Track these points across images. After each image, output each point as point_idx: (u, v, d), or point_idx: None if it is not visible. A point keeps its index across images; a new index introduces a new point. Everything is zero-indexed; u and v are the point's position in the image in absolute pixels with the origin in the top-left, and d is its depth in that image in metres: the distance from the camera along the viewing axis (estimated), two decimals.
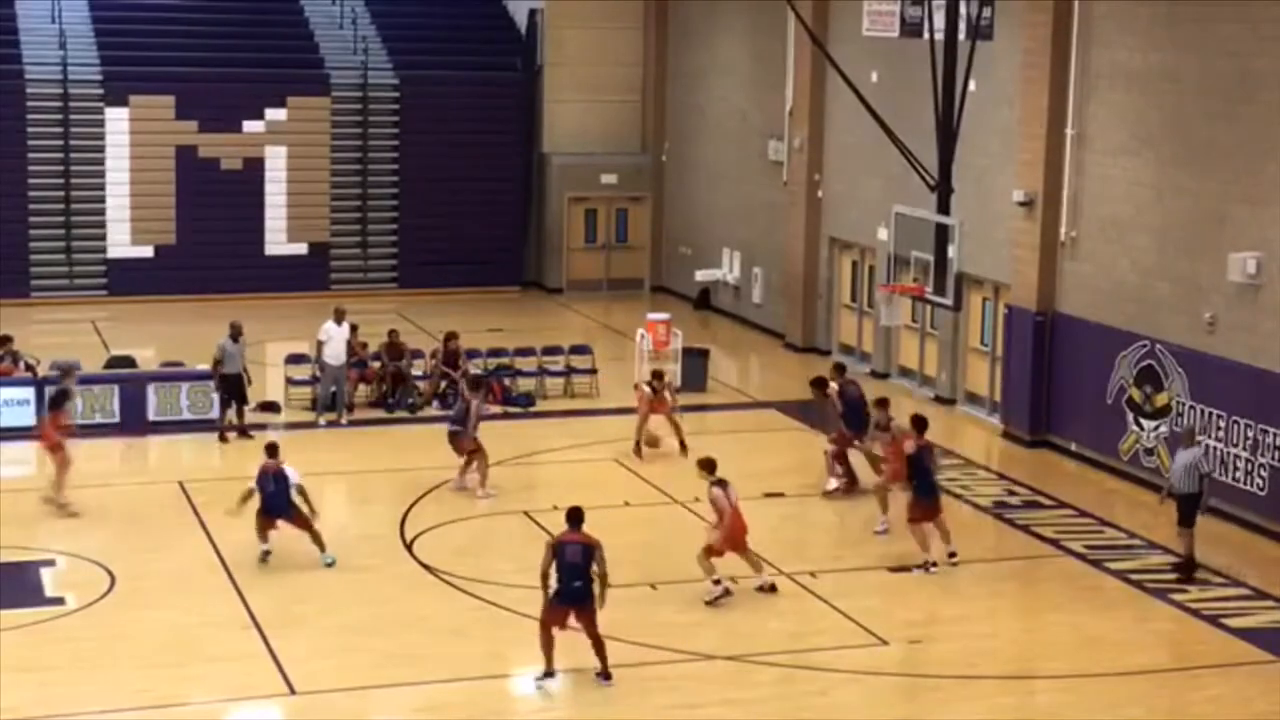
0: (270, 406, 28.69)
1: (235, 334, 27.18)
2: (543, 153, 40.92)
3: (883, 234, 29.33)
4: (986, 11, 27.30)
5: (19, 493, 23.63)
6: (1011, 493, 24.87)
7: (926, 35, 25.38)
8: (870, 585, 20.61)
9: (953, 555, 21.27)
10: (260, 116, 38.63)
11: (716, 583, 19.76)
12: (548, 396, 29.94)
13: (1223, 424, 23.32)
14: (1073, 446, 26.45)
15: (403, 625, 19.02)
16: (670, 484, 24.31)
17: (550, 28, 40.66)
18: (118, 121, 37.86)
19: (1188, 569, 20.92)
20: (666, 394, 26.39)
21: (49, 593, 20.01)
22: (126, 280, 37.93)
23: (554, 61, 40.67)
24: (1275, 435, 22.40)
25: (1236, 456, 23.07)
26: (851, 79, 26.63)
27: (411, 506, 23.35)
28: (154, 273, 38.06)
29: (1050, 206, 26.76)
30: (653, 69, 40.91)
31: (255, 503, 20.86)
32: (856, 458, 24.40)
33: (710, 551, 19.85)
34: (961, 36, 25.04)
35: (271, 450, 21.25)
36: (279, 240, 39.11)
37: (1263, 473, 22.67)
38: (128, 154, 37.99)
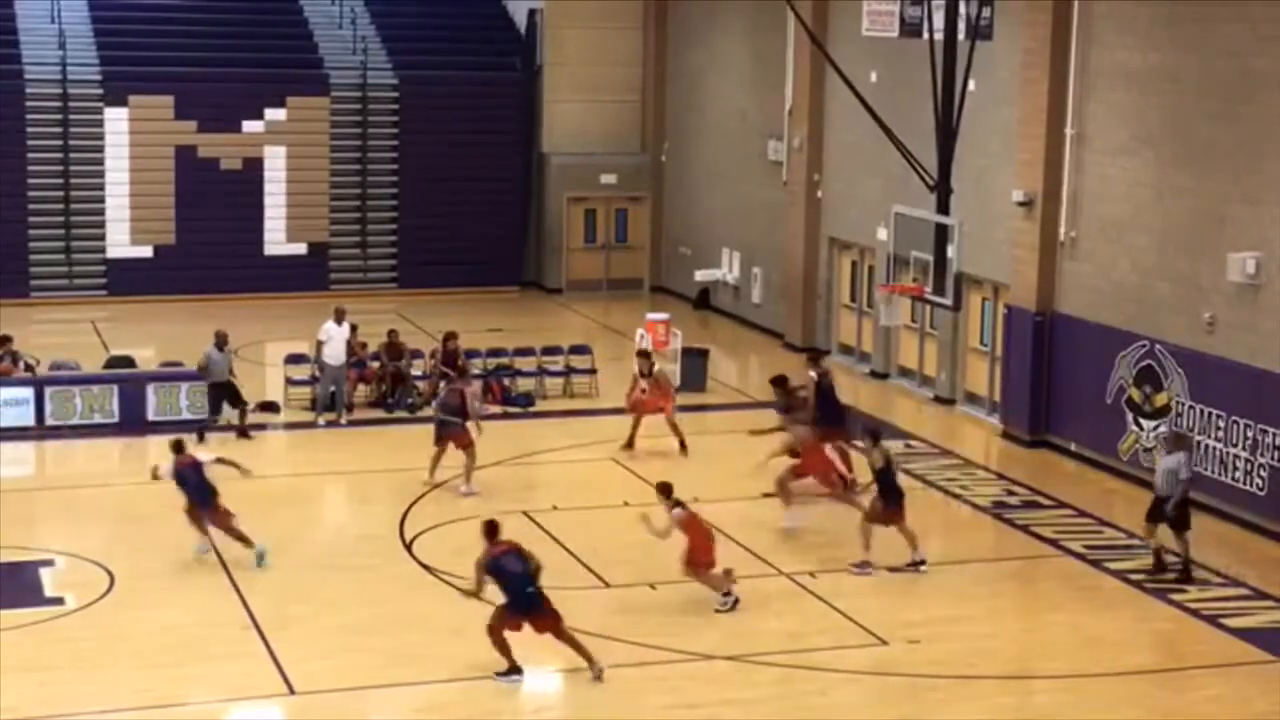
0: (270, 406, 28.71)
1: (220, 343, 27.17)
2: (542, 153, 40.93)
3: (882, 234, 29.33)
4: (986, 11, 27.30)
5: (18, 493, 23.62)
6: (1011, 493, 24.88)
7: (926, 35, 25.39)
8: (869, 585, 20.61)
9: (920, 563, 21.04)
10: (260, 116, 38.64)
11: (727, 593, 19.65)
12: (547, 396, 29.96)
13: (1222, 424, 23.32)
14: (1072, 446, 26.45)
15: (402, 625, 19.02)
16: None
17: (550, 28, 40.66)
18: (117, 121, 37.87)
19: (1187, 573, 20.90)
20: (657, 379, 26.38)
21: (48, 593, 20.01)
22: (126, 280, 37.93)
23: (553, 61, 40.67)
24: (1274, 435, 22.40)
25: (1236, 456, 23.07)
26: (851, 79, 26.65)
27: (411, 506, 23.35)
28: (153, 273, 38.06)
29: (1050, 206, 26.76)
30: (652, 69, 40.91)
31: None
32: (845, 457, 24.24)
33: (693, 568, 19.58)
34: (961, 36, 25.06)
35: (178, 447, 21.30)
36: (278, 240, 39.11)
37: (1262, 473, 22.67)
38: (127, 154, 38.01)
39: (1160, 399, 24.51)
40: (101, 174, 37.97)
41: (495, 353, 30.76)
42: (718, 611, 19.43)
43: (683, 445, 26.01)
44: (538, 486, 24.91)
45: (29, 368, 28.22)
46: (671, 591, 20.02)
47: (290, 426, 28.15)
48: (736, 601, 19.56)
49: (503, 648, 17.45)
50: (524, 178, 40.85)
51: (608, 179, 40.88)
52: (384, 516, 22.98)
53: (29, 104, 37.34)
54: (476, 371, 29.58)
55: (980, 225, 27.64)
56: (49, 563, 20.90)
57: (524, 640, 17.56)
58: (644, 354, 27.38)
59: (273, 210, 38.99)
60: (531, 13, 40.94)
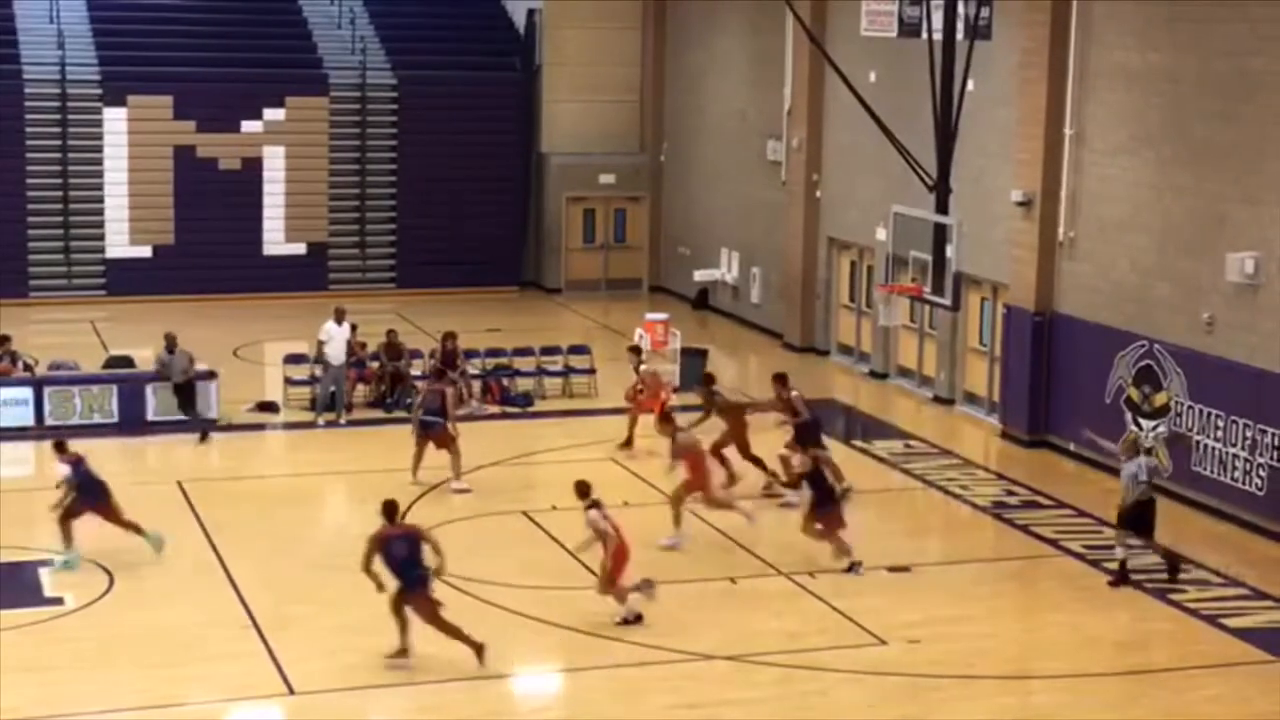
0: (269, 406, 28.71)
1: (170, 345, 27.29)
2: (541, 152, 40.92)
3: (881, 234, 29.34)
4: (985, 11, 27.30)
5: (18, 493, 23.62)
6: (1010, 493, 24.88)
7: (925, 35, 25.39)
8: (869, 585, 20.61)
9: (853, 567, 20.94)
10: (258, 116, 38.64)
11: (632, 609, 18.94)
12: (546, 396, 29.95)
13: (1221, 424, 23.33)
14: (1071, 446, 26.46)
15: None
16: (669, 483, 24.24)
17: (549, 28, 40.67)
18: (116, 121, 37.88)
19: (1173, 568, 20.84)
20: (644, 376, 26.33)
21: (48, 593, 20.01)
22: (125, 280, 37.93)
23: (552, 61, 40.68)
24: (1273, 435, 22.41)
25: (1235, 456, 23.08)
26: (850, 79, 26.66)
27: (410, 506, 23.32)
28: (152, 273, 38.06)
29: (1049, 206, 26.76)
30: (651, 69, 40.92)
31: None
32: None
33: (610, 583, 18.90)
34: (960, 36, 25.08)
35: (60, 446, 21.37)
36: (277, 240, 39.11)
37: (1261, 473, 22.68)
38: (126, 154, 38.02)
39: (1159, 399, 24.52)
40: (100, 174, 37.97)
41: (494, 353, 30.76)
42: (618, 625, 18.77)
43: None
44: (537, 486, 24.90)
45: (28, 368, 28.22)
46: (671, 591, 20.00)
47: (290, 426, 28.15)
48: (639, 618, 18.88)
49: (403, 629, 17.63)
50: (523, 178, 40.85)
51: (607, 179, 40.89)
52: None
53: (28, 104, 37.34)
54: (475, 371, 29.58)
55: (979, 225, 27.65)
56: (48, 563, 20.89)
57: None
58: (634, 349, 27.51)
59: (271, 210, 39.00)
60: (530, 13, 40.95)
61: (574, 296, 40.11)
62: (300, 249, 39.24)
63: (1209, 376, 23.63)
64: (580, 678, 17.65)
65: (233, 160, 38.55)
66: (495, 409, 28.93)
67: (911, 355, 31.40)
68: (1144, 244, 25.04)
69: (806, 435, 23.42)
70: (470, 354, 29.75)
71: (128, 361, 29.48)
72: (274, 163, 38.90)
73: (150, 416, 27.37)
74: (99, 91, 37.90)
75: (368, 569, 17.65)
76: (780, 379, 24.31)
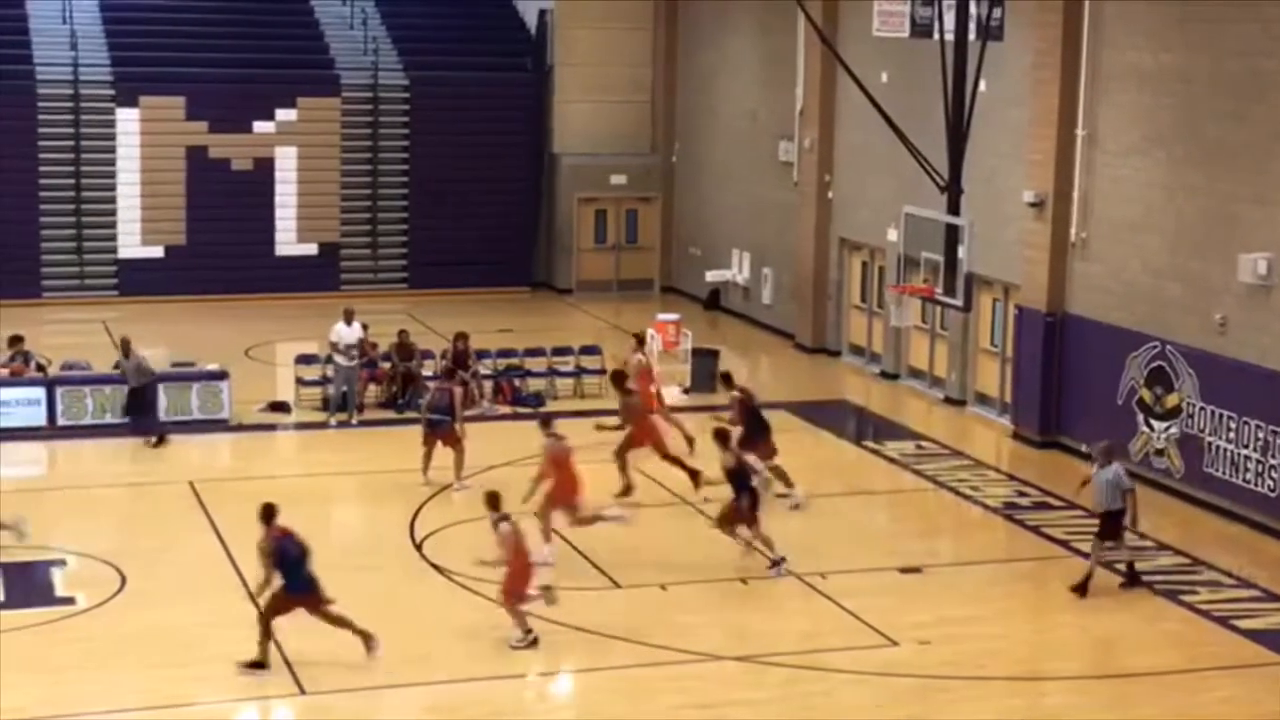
0: (281, 407, 28.75)
1: (125, 350, 27.34)
2: (553, 153, 40.93)
3: (893, 235, 29.31)
4: (997, 12, 27.30)
5: (31, 492, 23.65)
6: (1022, 494, 24.85)
7: (937, 36, 25.37)
8: (879, 586, 20.60)
9: (780, 561, 20.75)
10: (270, 117, 38.68)
11: (528, 631, 18.30)
12: (558, 397, 29.95)
13: (1234, 425, 23.29)
14: (1083, 447, 26.39)
15: (413, 625, 19.01)
16: (679, 484, 24.27)
17: (560, 28, 40.67)
18: (128, 122, 37.92)
19: (1133, 578, 20.70)
20: (640, 357, 26.52)
21: (59, 592, 20.04)
22: (137, 280, 37.98)
23: (564, 62, 40.68)
24: None
25: (1247, 458, 23.04)
26: (862, 79, 26.63)
27: (421, 507, 23.35)
28: (164, 273, 38.11)
29: (1061, 207, 26.73)
30: (662, 69, 40.91)
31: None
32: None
33: (511, 598, 18.30)
34: (972, 37, 25.03)
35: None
36: (289, 240, 39.15)
37: (1274, 474, 22.63)
38: (138, 154, 38.06)
39: (1171, 400, 24.48)
40: (113, 174, 38.01)
41: (506, 353, 30.76)
42: (513, 648, 18.19)
43: (689, 441, 25.70)
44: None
45: (40, 368, 28.28)
46: (680, 592, 20.01)
47: (301, 427, 28.17)
48: (535, 642, 18.23)
49: (268, 635, 17.46)
50: (534, 178, 40.86)
51: (618, 179, 40.88)
52: (395, 517, 22.97)
53: (40, 104, 37.41)
54: (486, 372, 29.58)
55: (991, 226, 27.61)
56: (60, 562, 20.92)
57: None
58: (638, 338, 27.92)
59: (283, 210, 39.04)
60: (542, 13, 40.96)
61: (585, 297, 40.11)
62: (312, 249, 39.28)
63: (1221, 378, 23.59)
64: (589, 678, 17.65)
65: (245, 161, 38.60)
66: (506, 409, 28.93)
67: (923, 356, 31.37)
68: (1156, 245, 25.00)
69: (751, 435, 23.23)
70: (482, 354, 29.76)
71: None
72: (286, 163, 38.94)
73: (161, 416, 27.36)
74: (111, 92, 37.96)
75: (268, 582, 17.52)
76: (725, 378, 25.10)
